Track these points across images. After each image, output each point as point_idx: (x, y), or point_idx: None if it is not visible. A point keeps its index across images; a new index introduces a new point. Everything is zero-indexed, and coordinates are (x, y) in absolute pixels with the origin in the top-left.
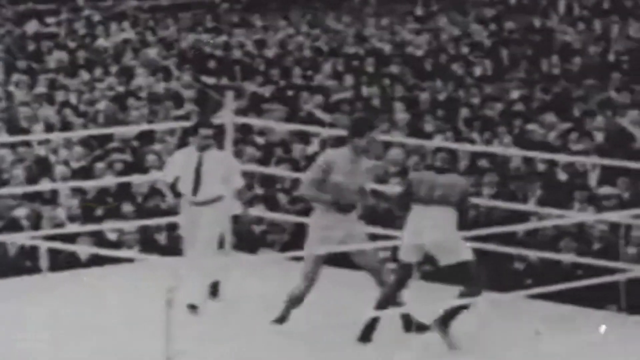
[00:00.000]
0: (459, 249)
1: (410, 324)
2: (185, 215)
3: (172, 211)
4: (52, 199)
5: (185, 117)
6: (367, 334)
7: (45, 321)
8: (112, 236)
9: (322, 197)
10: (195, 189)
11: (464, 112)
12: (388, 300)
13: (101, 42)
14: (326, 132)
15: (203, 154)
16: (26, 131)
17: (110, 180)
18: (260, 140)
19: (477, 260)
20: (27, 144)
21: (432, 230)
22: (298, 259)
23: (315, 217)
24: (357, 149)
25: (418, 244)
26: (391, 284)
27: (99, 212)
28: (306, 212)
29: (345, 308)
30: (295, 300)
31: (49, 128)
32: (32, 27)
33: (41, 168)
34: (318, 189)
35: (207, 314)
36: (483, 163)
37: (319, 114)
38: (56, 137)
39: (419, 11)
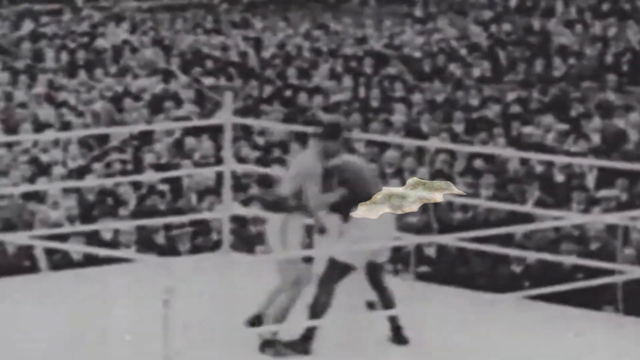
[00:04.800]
0: (388, 247)
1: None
2: None
3: (169, 211)
4: (47, 198)
5: (185, 117)
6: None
7: (44, 321)
8: (108, 236)
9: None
10: None
11: (461, 113)
12: (325, 306)
13: (100, 42)
14: None
15: None
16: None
17: (108, 180)
18: (259, 140)
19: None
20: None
21: (382, 232)
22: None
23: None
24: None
25: (367, 250)
26: (323, 287)
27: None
28: None
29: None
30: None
31: (45, 128)
32: (29, 27)
33: (38, 168)
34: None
35: (207, 315)
36: (480, 164)
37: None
38: (54, 136)
39: (418, 13)
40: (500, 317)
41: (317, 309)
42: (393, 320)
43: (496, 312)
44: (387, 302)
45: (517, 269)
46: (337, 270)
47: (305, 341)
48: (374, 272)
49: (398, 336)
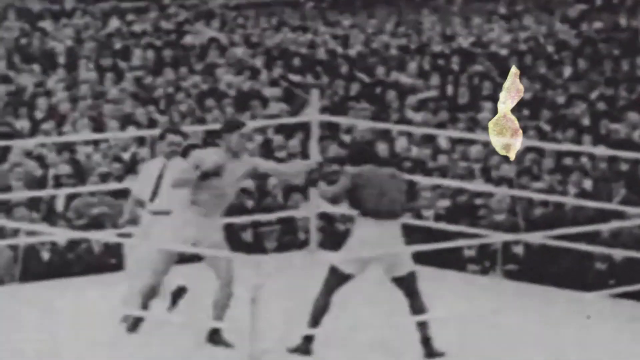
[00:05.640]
0: (407, 258)
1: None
2: (141, 226)
3: (257, 210)
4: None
5: (275, 115)
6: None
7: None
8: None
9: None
10: (153, 198)
11: (548, 111)
12: (323, 310)
13: (188, 39)
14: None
15: (168, 162)
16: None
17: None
18: (346, 138)
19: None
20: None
21: (383, 247)
22: None
23: (174, 215)
24: (229, 147)
25: (365, 259)
26: (322, 292)
27: None
28: None
29: None
30: (150, 292)
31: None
32: (115, 24)
33: (125, 165)
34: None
35: (294, 314)
36: (569, 162)
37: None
38: (140, 134)
39: (504, 10)
40: (585, 314)
41: (314, 313)
42: (423, 331)
43: (582, 309)
44: (417, 312)
45: (602, 266)
46: (334, 277)
47: (306, 343)
48: (403, 287)
49: (428, 348)
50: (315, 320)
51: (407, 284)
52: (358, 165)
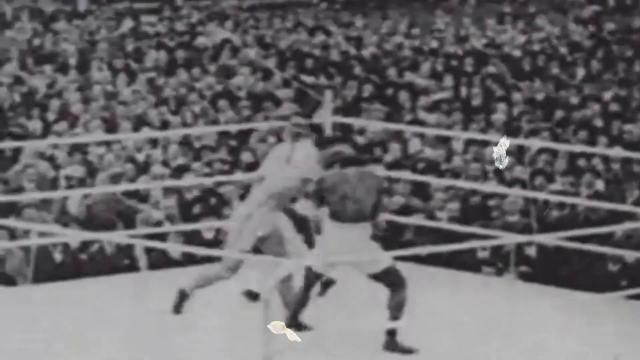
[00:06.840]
0: (380, 257)
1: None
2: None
3: None
4: (149, 198)
5: (286, 117)
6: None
7: (144, 319)
8: (209, 235)
9: None
10: None
11: (561, 112)
12: (302, 304)
13: (201, 41)
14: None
15: (294, 145)
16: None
17: (209, 179)
18: (359, 139)
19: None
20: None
21: (347, 250)
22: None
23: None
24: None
25: (330, 262)
26: (301, 288)
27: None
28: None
29: None
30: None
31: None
32: (128, 25)
33: (137, 167)
34: None
35: (307, 316)
36: (582, 163)
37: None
38: (153, 135)
39: (517, 11)
40: (599, 316)
41: (295, 307)
42: (392, 323)
43: (596, 311)
44: (391, 305)
45: (614, 268)
46: (309, 275)
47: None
48: (381, 282)
49: (391, 342)
50: (294, 314)
51: (384, 279)
52: (326, 169)
